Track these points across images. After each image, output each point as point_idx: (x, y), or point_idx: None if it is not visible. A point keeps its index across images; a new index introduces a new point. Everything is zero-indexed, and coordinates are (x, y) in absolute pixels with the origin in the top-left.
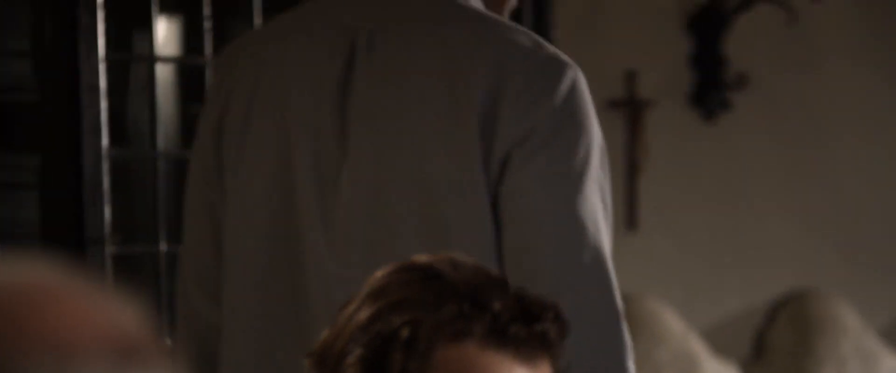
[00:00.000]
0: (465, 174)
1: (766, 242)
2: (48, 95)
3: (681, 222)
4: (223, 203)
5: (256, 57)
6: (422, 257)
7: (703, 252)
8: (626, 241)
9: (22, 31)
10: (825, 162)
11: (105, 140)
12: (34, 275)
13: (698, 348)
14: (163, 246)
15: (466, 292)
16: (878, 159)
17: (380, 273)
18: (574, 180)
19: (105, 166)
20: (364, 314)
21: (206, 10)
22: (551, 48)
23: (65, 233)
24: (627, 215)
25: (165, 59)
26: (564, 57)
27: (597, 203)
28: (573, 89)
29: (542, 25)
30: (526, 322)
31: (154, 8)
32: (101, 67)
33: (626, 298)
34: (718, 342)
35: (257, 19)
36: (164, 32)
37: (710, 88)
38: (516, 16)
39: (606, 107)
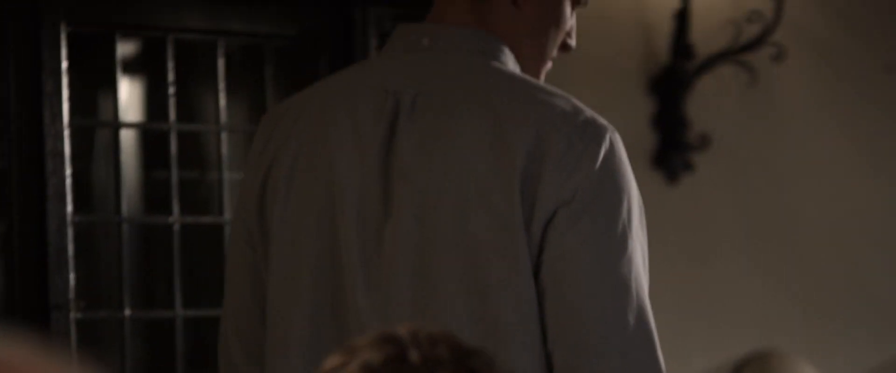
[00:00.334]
0: (507, 236)
1: (729, 302)
2: (13, 162)
3: None
4: (266, 265)
5: (300, 120)
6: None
7: (668, 312)
8: None
9: None
10: (788, 222)
11: (69, 206)
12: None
13: None
14: (127, 311)
15: None
16: (840, 219)
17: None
18: (617, 242)
19: (70, 232)
20: None
21: (171, 75)
22: (589, 111)
23: (29, 299)
24: None
25: (129, 125)
26: (602, 120)
27: (639, 263)
28: (612, 151)
29: None
30: None
31: (118, 72)
32: (66, 134)
33: None
34: None
35: (221, 84)
36: (127, 96)
37: (673, 150)
38: None
39: None
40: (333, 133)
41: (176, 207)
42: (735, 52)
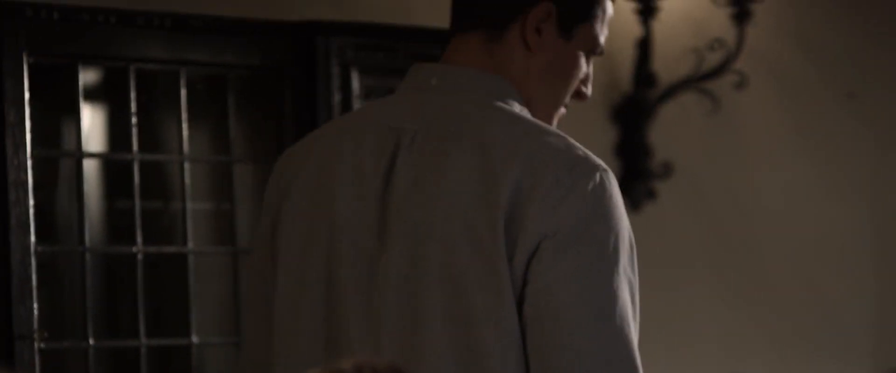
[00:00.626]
0: (490, 268)
1: (694, 329)
2: None
3: None
4: (274, 296)
5: (310, 156)
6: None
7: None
8: None
9: None
10: (752, 249)
11: (33, 237)
12: None
13: None
14: (91, 341)
15: None
16: (804, 246)
17: None
18: (601, 277)
19: (33, 262)
20: None
21: (133, 105)
22: (583, 150)
23: None
24: None
25: (92, 155)
26: (596, 160)
27: (625, 299)
28: (601, 188)
29: None
30: None
31: (81, 102)
32: (29, 164)
33: None
34: None
35: (184, 114)
36: (90, 126)
37: (636, 178)
38: None
39: None
40: (338, 168)
41: (139, 237)
42: (697, 80)
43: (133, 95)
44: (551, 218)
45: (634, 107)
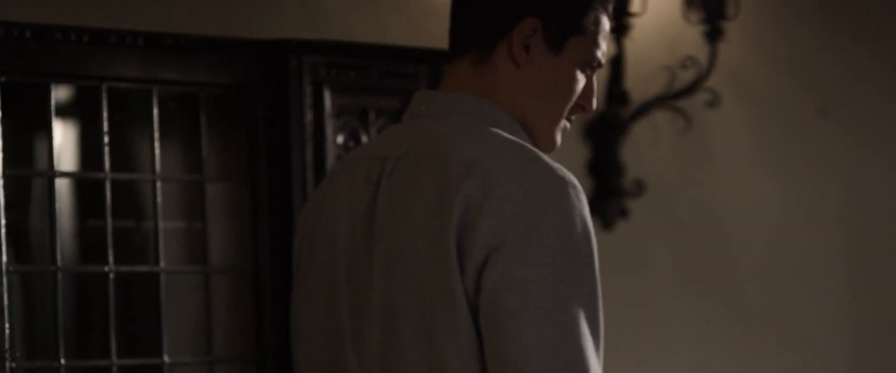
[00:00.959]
0: (445, 286)
1: (665, 346)
2: None
3: None
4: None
5: (321, 191)
6: None
7: (605, 359)
8: None
9: None
10: (723, 267)
11: (4, 256)
12: None
13: None
14: (63, 361)
15: None
16: (775, 264)
17: None
18: (547, 286)
19: (5, 282)
20: None
21: (105, 124)
22: (546, 164)
23: None
24: None
25: (64, 174)
26: (559, 173)
27: (574, 309)
28: (555, 201)
29: None
30: None
31: (53, 121)
32: (0, 182)
33: None
34: None
35: (156, 133)
36: (62, 144)
37: (608, 196)
38: None
39: None
40: (337, 202)
41: (111, 256)
42: (670, 98)
43: (105, 113)
44: (498, 231)
45: (606, 125)
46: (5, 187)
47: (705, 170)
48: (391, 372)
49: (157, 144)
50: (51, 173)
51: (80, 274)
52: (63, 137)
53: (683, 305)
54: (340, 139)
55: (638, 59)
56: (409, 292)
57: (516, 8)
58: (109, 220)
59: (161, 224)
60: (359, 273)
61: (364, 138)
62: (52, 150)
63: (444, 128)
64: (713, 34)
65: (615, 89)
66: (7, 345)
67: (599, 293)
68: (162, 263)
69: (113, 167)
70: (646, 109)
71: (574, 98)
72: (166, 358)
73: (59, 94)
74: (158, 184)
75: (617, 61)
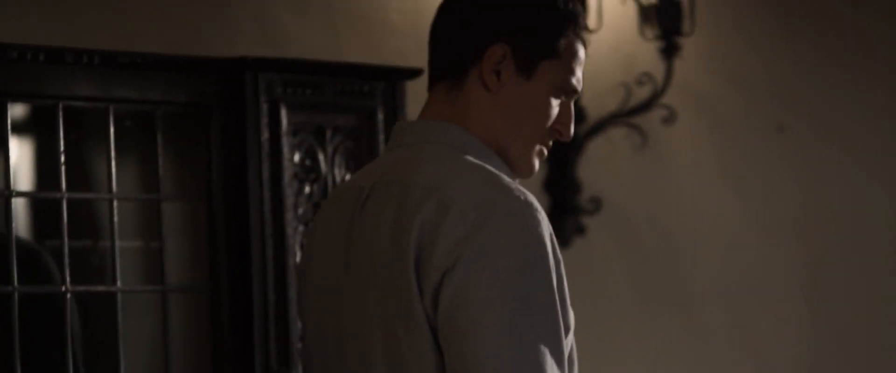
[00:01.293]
0: (407, 309)
1: (621, 365)
2: None
3: None
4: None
5: (318, 217)
6: None
7: None
8: None
9: None
10: (680, 284)
11: None
12: None
13: None
14: None
15: None
16: (732, 281)
17: None
18: (504, 306)
19: None
20: None
21: (61, 143)
22: (505, 185)
23: None
24: None
25: (21, 194)
26: (516, 194)
27: (531, 329)
28: (508, 221)
29: None
30: None
31: (9, 140)
32: None
33: None
34: None
35: (112, 151)
36: (17, 163)
37: (565, 213)
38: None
39: None
40: (328, 227)
41: (68, 276)
42: (626, 115)
43: (62, 132)
44: (453, 251)
45: (563, 142)
46: None
47: (661, 186)
48: None
49: (113, 163)
50: (7, 193)
51: (36, 295)
52: (19, 156)
53: (640, 321)
54: (297, 157)
55: (594, 76)
56: (377, 315)
57: (485, 35)
58: (66, 239)
59: (118, 243)
60: (337, 297)
61: (320, 156)
62: (8, 169)
63: (415, 155)
64: (669, 50)
65: None
66: None
67: (559, 314)
68: (119, 283)
69: (69, 186)
70: (602, 125)
71: (548, 122)
72: None
73: (15, 112)
74: (115, 203)
75: None
